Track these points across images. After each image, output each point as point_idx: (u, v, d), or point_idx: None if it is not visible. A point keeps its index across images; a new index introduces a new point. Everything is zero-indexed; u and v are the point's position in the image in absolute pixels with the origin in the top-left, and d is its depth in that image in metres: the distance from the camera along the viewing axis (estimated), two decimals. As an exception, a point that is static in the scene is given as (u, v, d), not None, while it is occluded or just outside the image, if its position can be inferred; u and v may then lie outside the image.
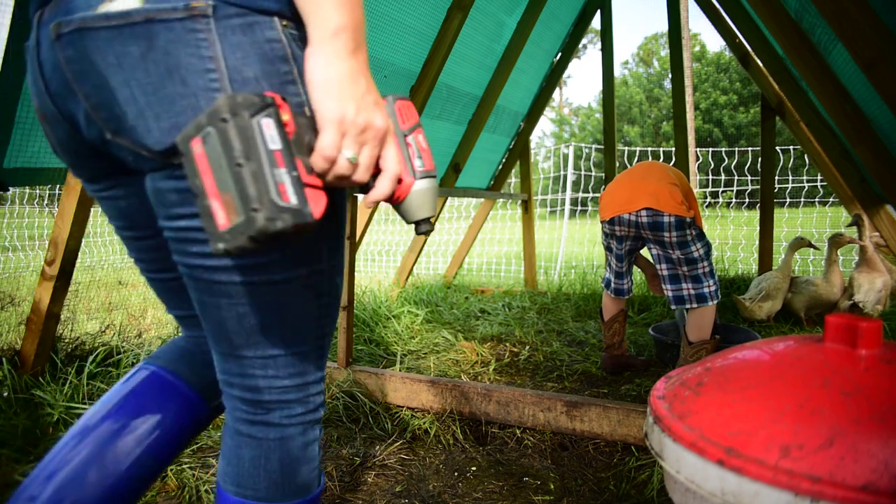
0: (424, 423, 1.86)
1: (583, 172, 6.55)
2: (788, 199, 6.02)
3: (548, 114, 33.22)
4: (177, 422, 0.87)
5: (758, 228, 3.91)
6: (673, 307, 2.24)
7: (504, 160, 4.54)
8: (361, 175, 0.63)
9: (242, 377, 0.75)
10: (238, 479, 0.76)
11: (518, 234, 4.72)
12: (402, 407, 1.99)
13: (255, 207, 0.54)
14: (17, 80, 1.66)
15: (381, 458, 1.68)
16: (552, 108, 35.24)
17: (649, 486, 1.50)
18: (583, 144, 6.57)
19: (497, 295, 4.24)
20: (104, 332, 2.34)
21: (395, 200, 0.69)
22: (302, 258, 0.71)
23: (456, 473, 1.60)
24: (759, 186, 3.94)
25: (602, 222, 2.31)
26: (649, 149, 6.10)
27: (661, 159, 5.89)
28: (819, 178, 5.62)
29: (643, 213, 2.12)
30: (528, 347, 2.86)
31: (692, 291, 2.19)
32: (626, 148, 6.03)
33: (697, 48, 28.22)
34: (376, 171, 0.66)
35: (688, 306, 2.21)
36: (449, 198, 3.99)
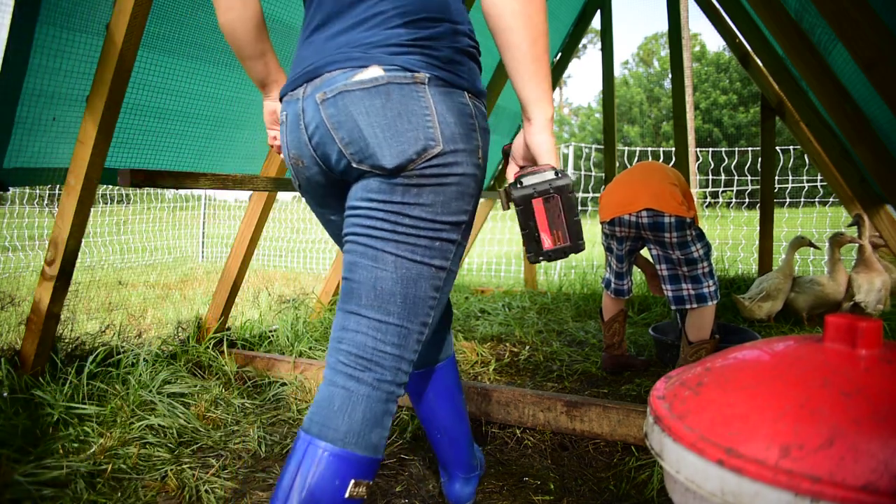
0: (424, 423, 1.86)
1: (583, 172, 6.55)
2: (788, 199, 6.02)
3: (548, 114, 33.08)
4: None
5: (758, 228, 3.91)
6: (673, 307, 2.24)
7: (504, 160, 4.53)
8: None
9: (356, 333, 0.94)
10: (324, 420, 0.92)
11: (518, 234, 4.72)
12: (402, 407, 1.99)
13: (580, 241, 0.93)
14: (17, 80, 1.66)
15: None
16: (552, 108, 35.13)
17: (649, 486, 1.50)
18: (583, 144, 6.57)
19: (497, 295, 4.24)
20: (104, 332, 2.34)
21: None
22: (443, 253, 0.94)
23: (456, 473, 1.60)
24: (759, 186, 3.94)
25: (602, 223, 2.31)
26: (649, 149, 6.09)
27: (661, 159, 5.89)
28: (819, 178, 5.62)
29: (644, 213, 2.12)
30: (528, 347, 2.86)
31: (692, 292, 2.19)
32: (626, 148, 6.02)
33: (697, 48, 28.22)
34: None
35: (688, 306, 2.21)
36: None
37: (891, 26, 1.71)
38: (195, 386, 2.03)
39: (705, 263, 2.17)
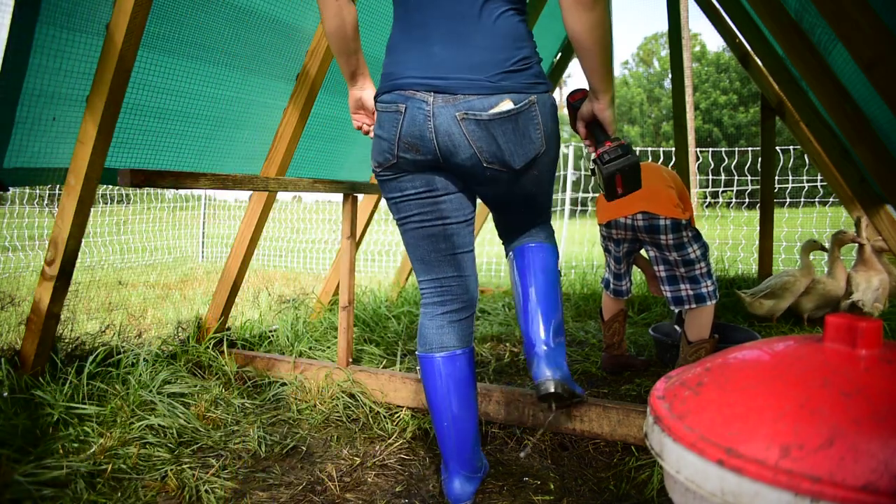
0: (425, 423, 1.86)
1: (583, 172, 6.55)
2: (788, 199, 6.02)
3: (548, 114, 33.12)
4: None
5: (758, 228, 3.91)
6: (672, 308, 2.24)
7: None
8: None
9: (534, 221, 1.46)
10: (532, 237, 1.47)
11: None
12: (402, 407, 1.99)
13: (639, 183, 1.32)
14: (17, 80, 1.66)
15: (381, 458, 1.68)
16: (552, 108, 35.17)
17: (649, 486, 1.50)
18: (583, 144, 6.56)
19: (497, 295, 4.24)
20: (104, 332, 2.34)
21: None
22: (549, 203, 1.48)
23: (456, 473, 1.60)
24: (759, 186, 3.94)
25: (600, 225, 2.31)
26: (649, 149, 6.09)
27: (661, 159, 5.89)
28: (819, 178, 5.61)
29: (639, 216, 2.13)
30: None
31: (690, 292, 2.20)
32: (626, 148, 6.01)
33: (697, 48, 28.22)
34: None
35: (686, 307, 2.21)
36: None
37: (891, 26, 1.71)
38: (195, 386, 2.03)
39: (703, 264, 2.18)
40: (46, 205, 8.70)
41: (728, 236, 6.57)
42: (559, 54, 4.29)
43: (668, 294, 2.24)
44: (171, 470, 1.53)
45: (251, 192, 2.44)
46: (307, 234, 8.41)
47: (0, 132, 1.72)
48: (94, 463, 1.52)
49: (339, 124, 2.88)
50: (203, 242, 8.25)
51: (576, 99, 1.39)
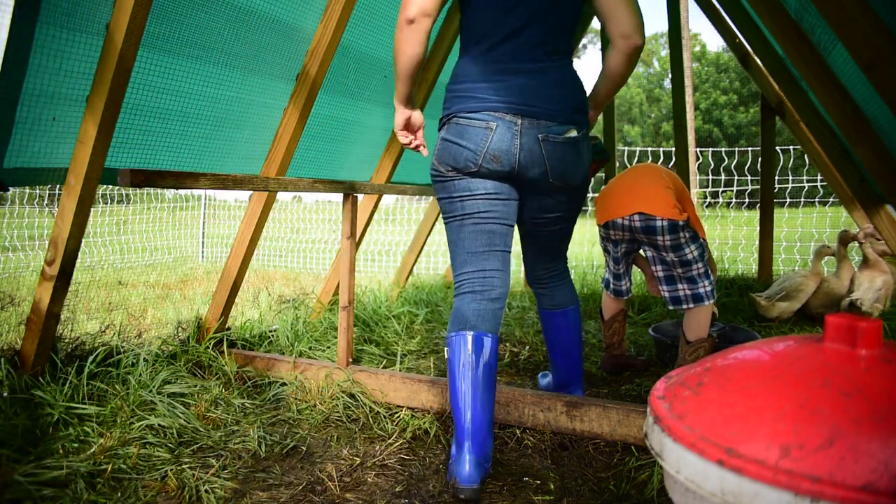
0: (424, 423, 1.86)
1: (583, 172, 6.54)
2: (788, 199, 6.02)
3: (548, 114, 33.10)
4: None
5: (758, 228, 3.91)
6: (670, 307, 2.25)
7: None
8: None
9: (560, 251, 1.86)
10: (563, 300, 1.91)
11: (517, 236, 4.72)
12: (402, 407, 1.99)
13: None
14: (17, 80, 1.66)
15: (381, 458, 1.68)
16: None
17: (649, 486, 1.50)
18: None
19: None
20: (104, 332, 2.34)
21: None
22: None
23: (456, 473, 1.60)
24: (759, 186, 3.94)
25: (598, 226, 2.32)
26: (649, 149, 6.09)
27: (661, 159, 5.89)
28: (819, 178, 5.61)
29: (636, 217, 2.13)
30: (528, 347, 2.86)
31: (688, 292, 2.20)
32: (626, 148, 6.02)
33: (697, 48, 28.22)
34: None
35: (684, 307, 2.22)
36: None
37: (891, 26, 1.71)
38: (195, 386, 2.03)
39: (700, 264, 2.18)
40: (46, 205, 8.70)
41: (728, 236, 6.57)
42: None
43: (666, 294, 2.25)
44: (171, 470, 1.53)
45: (251, 192, 2.44)
46: (307, 234, 8.41)
47: (0, 132, 1.72)
48: (94, 463, 1.52)
49: (339, 124, 2.88)
50: (203, 242, 8.25)
51: None
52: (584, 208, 7.51)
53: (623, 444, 1.74)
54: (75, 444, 1.61)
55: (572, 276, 4.70)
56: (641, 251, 2.44)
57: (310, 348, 2.52)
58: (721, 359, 0.71)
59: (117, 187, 6.37)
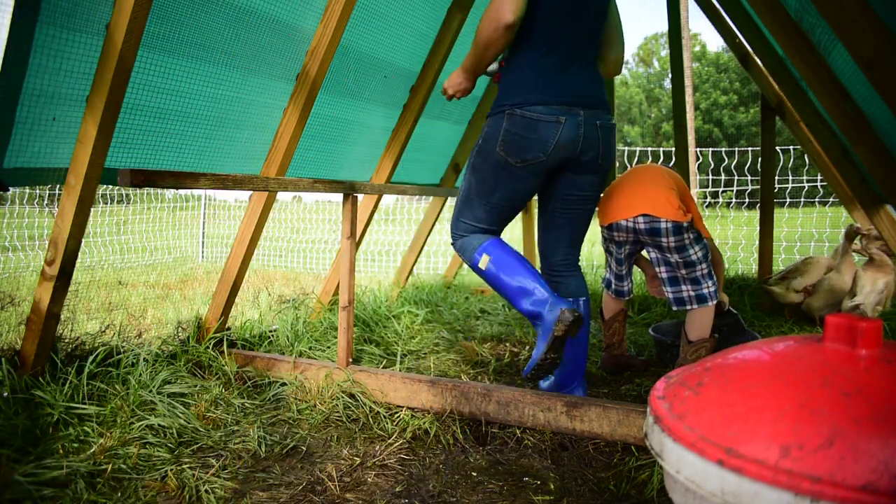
0: (424, 423, 1.86)
1: (583, 172, 6.54)
2: (788, 199, 6.02)
3: (548, 114, 33.08)
4: None
5: (758, 228, 3.91)
6: (674, 308, 2.25)
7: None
8: None
9: (581, 236, 2.05)
10: (578, 290, 2.00)
11: (518, 234, 4.72)
12: (402, 407, 1.99)
13: None
14: (17, 80, 1.66)
15: (381, 458, 1.68)
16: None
17: (649, 486, 1.50)
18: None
19: (497, 295, 4.24)
20: (104, 332, 2.34)
21: None
22: None
23: (456, 473, 1.60)
24: (759, 186, 3.94)
25: (601, 227, 2.31)
26: (649, 149, 6.09)
27: (661, 159, 5.89)
28: (819, 178, 5.61)
29: (640, 219, 2.13)
30: (528, 347, 2.86)
31: (692, 293, 2.20)
32: (626, 148, 6.02)
33: (697, 48, 28.21)
34: None
35: (688, 307, 2.21)
36: (449, 198, 3.99)
37: (891, 26, 1.71)
38: (195, 386, 2.03)
39: (704, 265, 2.18)
40: (46, 205, 8.70)
41: (728, 236, 6.57)
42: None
43: (670, 295, 2.25)
44: (171, 470, 1.53)
45: (251, 192, 2.44)
46: (307, 234, 8.41)
47: (0, 132, 1.72)
48: (94, 463, 1.52)
49: (339, 124, 2.88)
50: (203, 242, 8.25)
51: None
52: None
53: (623, 444, 1.74)
54: (75, 444, 1.61)
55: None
56: (644, 252, 2.44)
57: (310, 348, 2.52)
58: (721, 359, 0.71)
59: (117, 187, 6.37)
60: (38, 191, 8.29)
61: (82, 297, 3.94)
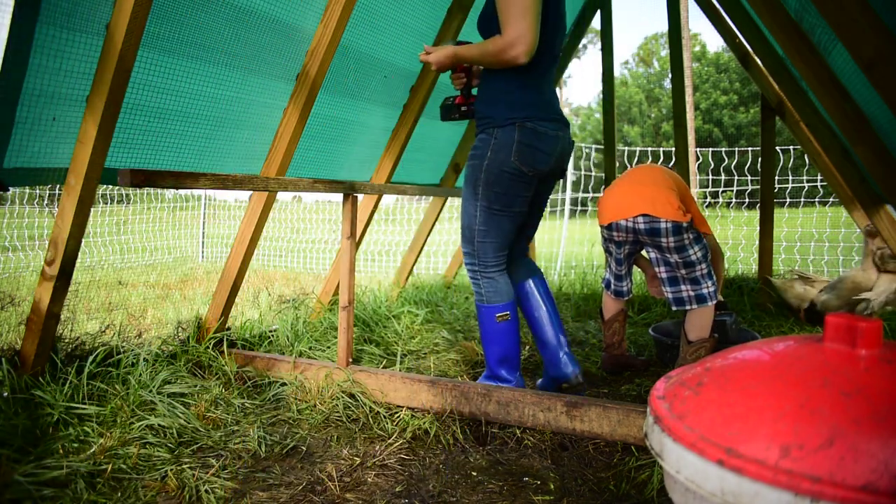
0: (424, 423, 1.86)
1: (583, 172, 6.55)
2: (788, 199, 6.02)
3: (548, 114, 33.12)
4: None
5: (758, 228, 3.91)
6: (674, 308, 2.25)
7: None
8: None
9: (527, 243, 2.18)
10: (532, 269, 2.14)
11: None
12: (402, 407, 1.99)
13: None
14: (17, 80, 1.66)
15: (381, 458, 1.68)
16: (552, 108, 35.13)
17: (649, 486, 1.50)
18: (583, 144, 6.57)
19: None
20: (104, 332, 2.34)
21: None
22: None
23: (456, 473, 1.60)
24: (759, 186, 3.94)
25: (601, 227, 2.31)
26: (649, 149, 6.09)
27: (661, 159, 5.89)
28: (819, 178, 5.61)
29: (640, 219, 2.13)
30: (527, 347, 2.86)
31: (691, 293, 2.20)
32: (626, 148, 6.02)
33: (697, 48, 28.21)
34: None
35: (688, 307, 2.21)
36: (449, 198, 3.99)
37: (891, 26, 1.71)
38: (195, 386, 2.03)
39: (703, 265, 2.18)
40: (46, 205, 8.70)
41: (728, 236, 6.57)
42: (559, 54, 4.29)
43: (670, 295, 2.25)
44: (171, 470, 1.53)
45: (251, 192, 2.44)
46: (307, 234, 8.41)
47: (0, 132, 1.72)
48: (94, 463, 1.52)
49: (339, 124, 2.88)
50: (203, 242, 8.25)
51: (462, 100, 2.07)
52: (584, 209, 7.50)
53: (623, 444, 1.74)
54: (75, 444, 1.61)
55: (572, 276, 4.72)
56: (644, 252, 2.44)
57: (310, 348, 2.52)
58: (721, 359, 0.71)
59: (117, 187, 6.37)
60: (38, 191, 8.29)
61: (82, 297, 3.95)
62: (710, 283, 2.19)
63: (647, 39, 34.52)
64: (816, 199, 6.29)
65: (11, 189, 1.93)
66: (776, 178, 4.50)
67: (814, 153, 3.69)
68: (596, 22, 4.25)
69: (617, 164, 4.21)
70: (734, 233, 6.61)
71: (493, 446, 1.77)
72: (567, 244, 6.87)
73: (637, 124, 29.14)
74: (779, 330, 3.21)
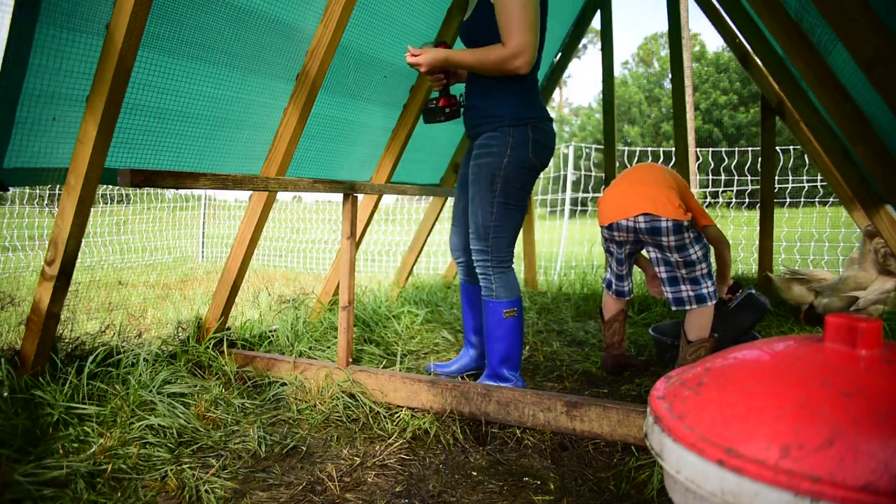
0: (424, 423, 1.86)
1: (583, 172, 6.55)
2: (788, 199, 6.02)
3: (548, 114, 33.11)
4: None
5: (758, 228, 3.91)
6: (673, 308, 2.25)
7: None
8: None
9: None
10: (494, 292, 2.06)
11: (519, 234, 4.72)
12: (402, 407, 1.99)
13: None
14: (17, 80, 1.66)
15: (381, 458, 1.68)
16: (552, 107, 35.17)
17: (649, 486, 1.50)
18: (583, 144, 6.57)
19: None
20: (104, 332, 2.34)
21: None
22: None
23: (456, 473, 1.60)
24: (759, 186, 3.94)
25: (601, 227, 2.31)
26: (649, 149, 6.09)
27: (661, 159, 5.89)
28: (819, 178, 5.61)
29: (641, 218, 2.13)
30: (527, 347, 2.86)
31: (691, 293, 2.20)
32: (626, 148, 6.02)
33: (697, 48, 28.20)
34: None
35: (688, 307, 2.21)
36: (449, 198, 3.98)
37: (891, 26, 1.71)
38: (195, 386, 2.03)
39: (703, 265, 2.18)
40: (46, 205, 8.70)
41: (728, 236, 6.56)
42: (559, 54, 4.29)
43: (670, 295, 2.25)
44: (171, 470, 1.53)
45: (251, 192, 2.44)
46: (307, 234, 8.41)
47: (0, 132, 1.72)
48: (94, 463, 1.52)
49: (339, 124, 2.88)
50: (203, 242, 8.25)
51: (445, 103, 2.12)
52: (584, 209, 7.50)
53: (623, 444, 1.74)
54: (75, 444, 1.61)
55: (572, 276, 4.72)
56: (644, 251, 2.44)
57: (310, 348, 2.52)
58: (721, 359, 0.71)
59: (117, 187, 6.37)
60: (38, 191, 8.29)
61: (82, 297, 3.95)
62: (709, 282, 2.19)
63: (647, 39, 34.51)
64: (816, 199, 6.30)
65: (11, 189, 1.93)
66: (776, 177, 4.50)
67: (814, 153, 3.69)
68: (596, 22, 4.25)
69: (617, 164, 4.21)
70: (734, 233, 6.60)
71: (493, 446, 1.77)
72: (567, 244, 6.87)
73: (637, 124, 29.13)
74: (779, 330, 3.21)
